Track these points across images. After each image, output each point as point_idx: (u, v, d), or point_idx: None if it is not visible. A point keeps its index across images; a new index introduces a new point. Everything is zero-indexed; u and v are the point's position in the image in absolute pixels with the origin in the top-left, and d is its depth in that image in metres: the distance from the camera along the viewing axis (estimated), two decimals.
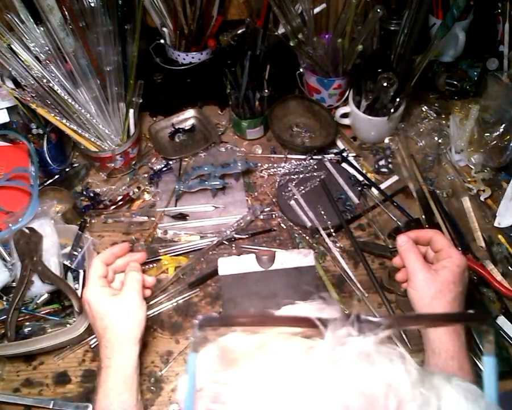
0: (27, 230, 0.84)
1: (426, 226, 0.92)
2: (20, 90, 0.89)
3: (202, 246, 0.93)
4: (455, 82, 1.12)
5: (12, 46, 0.86)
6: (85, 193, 1.02)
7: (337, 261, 0.90)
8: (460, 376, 0.54)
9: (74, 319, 0.81)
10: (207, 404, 0.32)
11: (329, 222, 0.94)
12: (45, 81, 0.89)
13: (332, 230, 0.93)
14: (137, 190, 1.02)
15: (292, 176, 1.02)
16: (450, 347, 0.59)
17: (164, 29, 1.14)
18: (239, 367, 0.33)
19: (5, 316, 0.79)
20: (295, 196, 0.99)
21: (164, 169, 1.06)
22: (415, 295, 0.65)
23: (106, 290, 0.70)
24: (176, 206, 1.00)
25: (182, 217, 0.98)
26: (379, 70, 0.98)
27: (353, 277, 0.87)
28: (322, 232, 0.93)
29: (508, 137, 0.97)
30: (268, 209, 0.99)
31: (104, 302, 0.69)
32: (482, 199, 0.98)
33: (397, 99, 0.99)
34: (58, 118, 0.93)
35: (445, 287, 0.63)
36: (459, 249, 0.89)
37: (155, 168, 1.06)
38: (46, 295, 0.83)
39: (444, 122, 1.09)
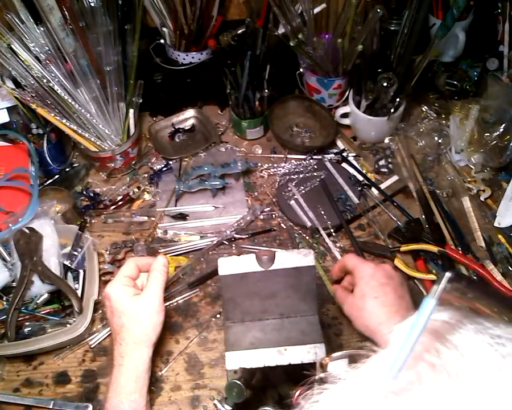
0: (27, 230, 0.84)
1: (426, 226, 0.92)
2: (20, 90, 0.89)
3: (202, 246, 0.93)
4: (455, 82, 1.12)
5: (12, 46, 0.86)
6: (85, 193, 1.02)
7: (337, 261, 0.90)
8: None
9: (74, 319, 0.81)
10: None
11: (329, 222, 0.94)
12: (45, 81, 0.89)
13: (332, 230, 0.93)
14: (137, 190, 1.02)
15: (292, 176, 1.02)
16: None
17: (164, 29, 1.14)
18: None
19: (5, 316, 0.79)
20: (295, 196, 0.99)
21: (164, 169, 1.06)
22: (359, 326, 0.69)
23: (129, 290, 0.71)
24: (176, 206, 1.00)
25: (182, 217, 0.98)
26: (379, 70, 0.98)
27: None
28: (322, 232, 0.93)
29: (508, 137, 0.97)
30: (268, 209, 0.99)
31: (124, 300, 0.69)
32: (482, 199, 0.98)
33: (397, 99, 0.99)
34: (58, 118, 0.93)
35: (360, 300, 0.68)
36: (459, 249, 0.89)
37: (155, 168, 1.06)
38: (46, 295, 0.83)
39: (444, 122, 1.09)
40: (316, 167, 1.04)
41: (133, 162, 1.06)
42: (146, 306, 0.69)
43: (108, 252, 0.93)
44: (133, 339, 0.69)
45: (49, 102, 0.92)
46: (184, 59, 1.15)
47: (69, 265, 0.86)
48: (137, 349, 0.69)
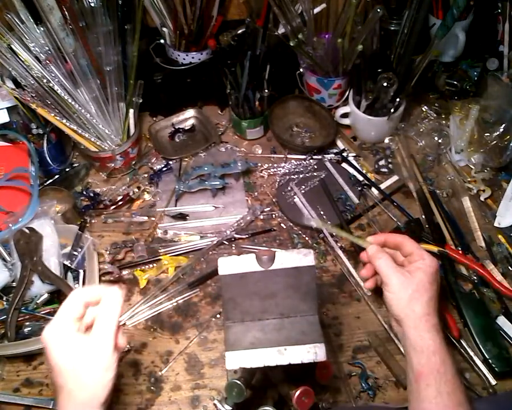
0: (27, 230, 0.84)
1: (426, 226, 0.92)
2: (20, 90, 0.89)
3: (202, 246, 0.93)
4: (455, 82, 1.12)
5: (12, 46, 0.86)
6: (85, 193, 1.02)
7: (340, 260, 0.90)
8: (443, 369, 0.60)
9: None
10: None
11: (329, 222, 0.94)
12: (45, 81, 0.89)
13: None
14: (137, 190, 1.02)
15: (292, 176, 1.02)
16: (432, 342, 0.61)
17: (164, 29, 1.14)
18: None
19: (5, 316, 0.79)
20: (297, 196, 0.99)
21: (164, 169, 1.06)
22: (391, 298, 0.66)
23: (70, 337, 0.55)
24: (176, 206, 1.00)
25: (182, 217, 0.98)
26: (379, 70, 0.98)
27: (356, 276, 0.88)
28: (326, 232, 0.93)
29: (508, 137, 0.97)
30: (268, 209, 0.99)
31: (63, 353, 0.54)
32: (482, 199, 0.98)
33: (397, 99, 0.99)
34: (58, 118, 0.93)
35: (421, 287, 0.64)
36: (459, 249, 0.89)
37: (155, 168, 1.06)
38: (46, 295, 0.83)
39: (444, 122, 1.09)
40: (316, 167, 1.04)
41: (133, 162, 1.06)
42: (92, 362, 0.54)
43: (108, 252, 0.93)
44: (76, 403, 0.53)
45: (49, 102, 0.92)
46: (184, 59, 1.15)
47: (69, 265, 0.86)
48: None
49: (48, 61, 0.89)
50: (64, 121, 0.94)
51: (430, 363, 0.60)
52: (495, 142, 0.98)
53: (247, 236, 0.94)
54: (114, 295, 0.57)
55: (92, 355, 0.54)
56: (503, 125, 0.97)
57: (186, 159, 1.08)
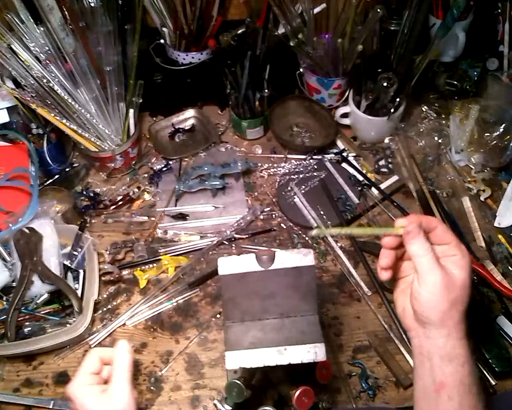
0: (27, 230, 0.84)
1: None
2: (20, 90, 0.89)
3: (202, 246, 0.93)
4: (455, 82, 1.12)
5: (12, 46, 0.86)
6: (85, 193, 1.02)
7: (340, 260, 0.90)
8: (468, 380, 0.53)
9: (74, 319, 0.81)
10: None
11: (329, 222, 0.94)
12: (45, 81, 0.89)
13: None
14: (137, 190, 1.02)
15: (292, 176, 1.02)
16: (463, 352, 0.54)
17: (164, 29, 1.14)
18: None
19: (5, 316, 0.79)
20: (297, 196, 0.99)
21: (164, 169, 1.06)
22: (427, 299, 0.54)
23: (94, 389, 0.62)
24: (176, 206, 1.00)
25: (182, 217, 0.98)
26: (379, 70, 0.98)
27: (356, 276, 0.88)
28: (326, 232, 0.93)
29: (508, 137, 0.97)
30: (268, 209, 0.99)
31: (90, 403, 0.60)
32: (482, 199, 0.98)
33: (397, 99, 0.99)
34: (58, 118, 0.93)
35: (464, 292, 0.54)
36: None
37: (155, 168, 1.06)
38: (46, 295, 0.83)
39: (444, 122, 1.09)
40: (316, 167, 1.04)
41: (133, 162, 1.06)
42: (115, 406, 0.60)
43: (108, 252, 0.92)
44: None
45: (49, 102, 0.92)
46: (184, 59, 1.15)
47: (69, 265, 0.86)
48: None
49: (48, 61, 0.89)
50: (64, 120, 0.94)
51: (457, 374, 0.54)
52: (495, 142, 0.98)
53: (247, 236, 0.94)
54: (123, 349, 0.65)
55: (115, 400, 0.60)
56: (503, 125, 0.97)
57: (186, 159, 1.08)
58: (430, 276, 0.54)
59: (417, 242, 0.55)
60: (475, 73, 1.12)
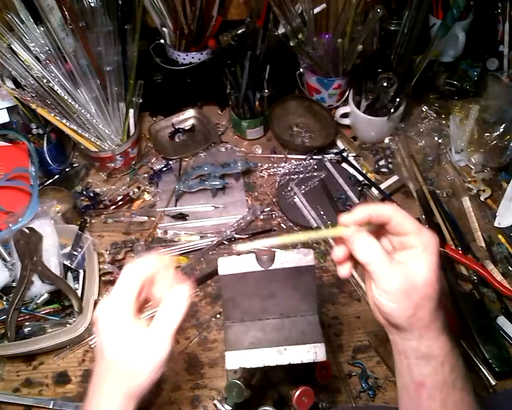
0: (27, 230, 0.84)
1: (426, 226, 0.92)
2: (20, 90, 0.89)
3: (202, 246, 0.93)
4: (455, 82, 1.12)
5: (12, 46, 0.86)
6: (85, 193, 1.02)
7: None
8: (451, 378, 0.49)
9: (74, 319, 0.81)
10: None
11: (329, 222, 0.94)
12: (45, 81, 0.89)
13: None
14: (137, 190, 1.02)
15: (292, 176, 1.02)
16: (440, 351, 0.49)
17: (164, 29, 1.14)
18: None
19: (5, 316, 0.79)
20: (297, 196, 0.99)
21: (164, 169, 1.06)
22: (387, 307, 0.48)
23: (130, 323, 0.50)
24: (176, 206, 1.00)
25: (182, 217, 0.98)
26: (379, 70, 0.98)
27: (356, 276, 0.88)
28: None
29: (508, 137, 0.97)
30: (268, 209, 0.99)
31: (119, 339, 0.49)
32: (482, 199, 0.98)
33: (397, 99, 0.99)
34: (58, 118, 0.93)
35: (429, 288, 0.47)
36: (459, 249, 0.89)
37: (155, 168, 1.06)
38: (46, 295, 0.83)
39: (444, 122, 1.09)
40: (316, 167, 1.04)
41: (133, 162, 1.06)
42: (146, 358, 0.49)
43: (108, 252, 0.92)
44: (121, 390, 0.50)
45: (49, 102, 0.92)
46: (184, 59, 1.15)
47: (69, 265, 0.86)
48: (120, 400, 0.50)
49: (48, 61, 0.89)
50: (64, 120, 0.94)
51: (437, 375, 0.49)
52: (495, 142, 0.98)
53: (247, 236, 0.94)
54: (183, 288, 0.52)
55: (148, 351, 0.49)
56: (503, 125, 0.97)
57: (186, 159, 1.08)
58: (385, 283, 0.47)
59: (361, 248, 0.48)
60: (475, 73, 1.12)
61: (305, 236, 0.53)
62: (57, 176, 1.03)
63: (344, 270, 0.52)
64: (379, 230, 0.51)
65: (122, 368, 0.49)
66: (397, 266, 0.47)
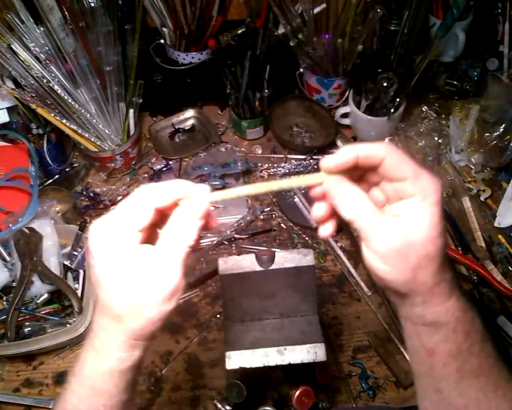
0: (27, 230, 0.84)
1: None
2: (20, 90, 0.89)
3: (202, 246, 0.93)
4: (455, 82, 1.12)
5: (12, 46, 0.86)
6: (85, 193, 1.02)
7: (340, 260, 0.90)
8: (466, 344, 0.42)
9: (74, 319, 0.81)
10: None
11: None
12: (45, 81, 0.89)
13: None
14: None
15: (292, 176, 1.02)
16: (450, 318, 0.42)
17: (164, 29, 1.14)
18: None
19: (5, 316, 0.79)
20: (297, 196, 0.99)
21: (164, 169, 1.06)
22: (383, 272, 0.40)
23: (133, 249, 0.41)
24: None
25: None
26: (379, 70, 0.98)
27: (356, 276, 0.88)
28: None
29: (508, 137, 0.97)
30: (268, 209, 0.99)
31: (118, 269, 0.40)
32: (482, 199, 0.98)
33: (397, 99, 0.99)
34: (58, 118, 0.93)
35: (430, 247, 0.39)
36: (459, 249, 0.89)
37: (155, 168, 1.06)
38: (46, 295, 0.83)
39: (444, 122, 1.09)
40: (315, 167, 1.04)
41: (133, 162, 1.06)
42: (151, 288, 0.40)
43: None
44: (122, 332, 0.42)
45: (49, 102, 0.92)
46: (184, 59, 1.15)
47: (69, 265, 0.86)
48: (123, 346, 0.42)
49: (48, 61, 0.89)
50: (64, 121, 0.94)
51: (449, 342, 0.42)
52: (495, 142, 0.98)
53: (247, 236, 0.94)
54: (203, 195, 0.42)
55: (153, 278, 0.40)
56: (503, 125, 0.97)
57: (186, 159, 1.08)
58: (375, 243, 0.39)
59: (343, 202, 0.40)
60: (475, 73, 1.12)
61: (279, 185, 0.44)
62: (57, 176, 1.03)
63: (325, 230, 0.44)
64: (368, 177, 0.44)
65: (122, 304, 0.40)
66: (389, 221, 0.39)
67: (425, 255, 0.39)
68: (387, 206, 0.43)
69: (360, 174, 0.43)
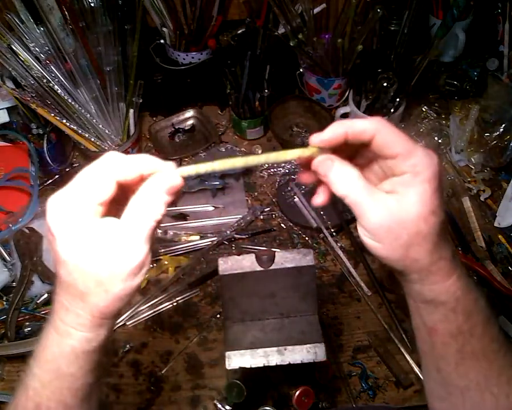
0: (27, 230, 0.84)
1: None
2: (20, 90, 0.89)
3: (202, 246, 0.93)
4: (455, 82, 1.12)
5: (12, 46, 0.86)
6: None
7: (340, 261, 0.90)
8: (467, 326, 0.42)
9: None
10: None
11: (329, 222, 0.94)
12: (45, 81, 0.89)
13: (333, 230, 0.93)
14: None
15: (292, 176, 1.02)
16: (449, 297, 0.42)
17: (164, 29, 1.14)
18: None
19: (5, 316, 0.79)
20: (297, 196, 0.99)
21: None
22: (375, 248, 0.41)
23: (92, 223, 0.39)
24: (176, 206, 1.00)
25: (182, 217, 0.98)
26: (379, 70, 0.98)
27: (356, 276, 0.88)
28: (325, 232, 0.93)
29: (508, 137, 0.97)
30: (268, 209, 0.99)
31: (78, 243, 0.38)
32: (482, 199, 0.98)
33: (397, 99, 0.99)
34: (58, 118, 0.93)
35: (422, 224, 0.38)
36: (459, 249, 0.89)
37: None
38: (46, 295, 0.83)
39: (444, 122, 1.09)
40: None
41: None
42: (115, 262, 0.38)
43: None
44: (85, 310, 0.40)
45: (49, 102, 0.92)
46: (184, 59, 1.15)
47: None
48: (87, 324, 0.40)
49: (48, 61, 0.89)
50: (64, 121, 0.94)
51: (449, 322, 0.42)
52: (495, 142, 0.98)
53: (247, 236, 0.94)
54: (169, 175, 0.40)
55: (116, 252, 0.38)
56: (503, 125, 0.97)
57: (186, 159, 1.08)
58: (365, 219, 0.40)
59: (335, 178, 0.40)
60: (475, 73, 1.12)
61: (266, 158, 0.43)
62: (57, 176, 1.03)
63: (321, 198, 0.44)
64: (363, 154, 0.43)
65: (86, 280, 0.38)
66: (380, 198, 0.39)
67: (417, 233, 0.39)
68: (381, 183, 0.43)
69: (354, 150, 0.43)
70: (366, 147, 0.41)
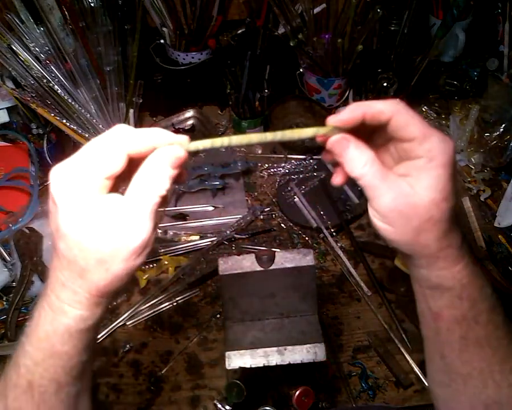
0: (27, 230, 0.84)
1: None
2: (20, 90, 0.90)
3: (202, 246, 0.93)
4: (455, 82, 1.12)
5: (12, 46, 0.86)
6: None
7: (340, 261, 0.90)
8: (472, 313, 0.42)
9: None
10: None
11: (329, 222, 0.94)
12: (45, 81, 0.89)
13: (333, 230, 0.93)
14: None
15: (292, 176, 1.02)
16: (455, 283, 0.42)
17: (164, 29, 1.14)
18: None
19: (5, 316, 0.79)
20: (297, 196, 0.99)
21: None
22: (386, 231, 0.40)
23: (98, 198, 0.37)
24: (176, 206, 1.00)
25: (182, 217, 0.98)
26: (379, 70, 0.98)
27: (356, 276, 0.88)
28: (325, 232, 0.93)
29: (508, 137, 0.97)
30: (268, 209, 0.99)
31: (83, 219, 0.37)
32: (482, 199, 0.98)
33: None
34: (58, 118, 0.93)
35: (434, 210, 0.38)
36: None
37: None
38: None
39: (444, 122, 1.09)
40: (316, 167, 1.04)
41: None
42: (118, 239, 0.37)
43: None
44: (83, 287, 0.39)
45: (49, 102, 0.92)
46: (184, 59, 1.15)
47: None
48: (84, 301, 0.39)
49: (48, 61, 0.89)
50: (64, 121, 0.94)
51: (454, 308, 0.42)
52: (495, 142, 0.98)
53: (247, 236, 0.94)
54: (172, 148, 0.39)
55: (120, 229, 0.37)
56: (503, 125, 0.97)
57: None
58: (377, 202, 0.39)
59: (348, 159, 0.40)
60: (475, 73, 1.12)
61: (282, 135, 0.43)
62: None
63: (339, 178, 0.44)
64: (379, 136, 0.43)
65: (86, 257, 0.37)
66: (394, 181, 0.39)
67: (429, 218, 0.39)
68: (396, 166, 0.42)
69: (370, 132, 0.42)
70: (383, 128, 0.41)
